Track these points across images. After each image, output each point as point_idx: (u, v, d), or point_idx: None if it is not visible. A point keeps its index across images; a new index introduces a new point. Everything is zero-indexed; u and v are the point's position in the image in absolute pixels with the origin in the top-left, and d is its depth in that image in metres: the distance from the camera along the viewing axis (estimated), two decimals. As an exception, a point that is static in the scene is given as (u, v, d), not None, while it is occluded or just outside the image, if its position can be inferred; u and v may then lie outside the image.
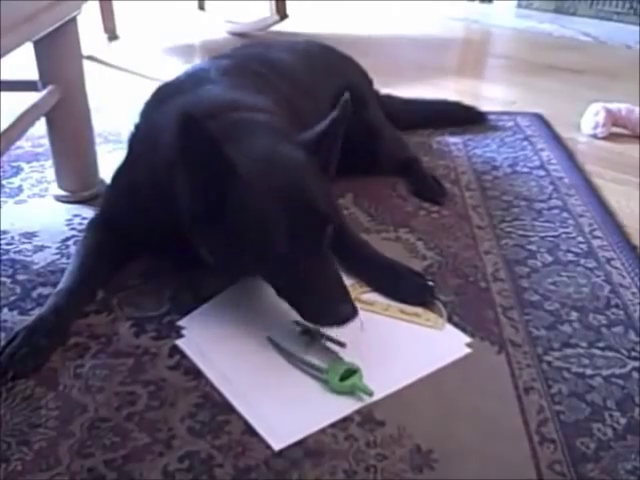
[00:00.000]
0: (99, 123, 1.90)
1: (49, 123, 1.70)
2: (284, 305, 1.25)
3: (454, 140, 2.14)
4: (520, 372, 1.16)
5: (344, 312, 1.14)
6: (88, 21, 1.71)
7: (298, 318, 1.24)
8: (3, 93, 1.94)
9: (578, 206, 1.73)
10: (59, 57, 1.64)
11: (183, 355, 1.19)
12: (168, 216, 1.26)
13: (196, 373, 1.15)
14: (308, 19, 3.81)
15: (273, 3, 3.48)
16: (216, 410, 1.07)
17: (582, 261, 1.49)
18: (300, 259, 1.16)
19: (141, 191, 1.35)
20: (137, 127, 1.47)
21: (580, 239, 1.58)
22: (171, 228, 1.26)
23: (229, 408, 1.08)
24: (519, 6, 4.07)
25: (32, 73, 1.67)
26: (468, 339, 1.24)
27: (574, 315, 1.31)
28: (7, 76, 1.72)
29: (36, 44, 1.59)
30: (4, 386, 1.12)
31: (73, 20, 1.65)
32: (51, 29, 1.51)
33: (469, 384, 1.14)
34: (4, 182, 1.85)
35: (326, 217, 1.21)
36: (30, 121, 1.52)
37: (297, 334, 1.23)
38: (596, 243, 1.56)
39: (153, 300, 1.35)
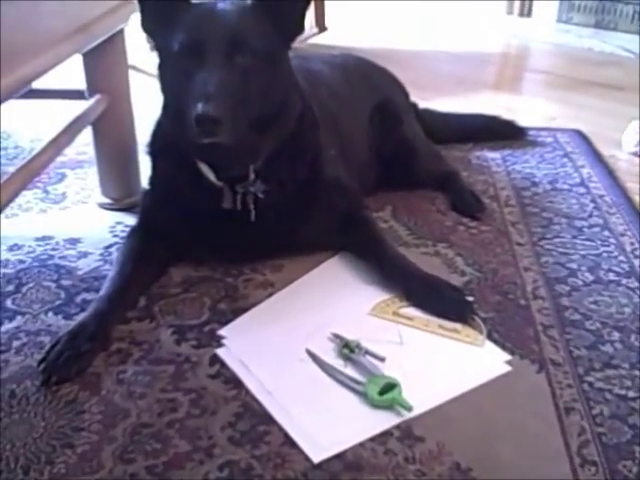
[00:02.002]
0: (140, 132, 1.93)
1: (95, 131, 1.73)
2: (324, 318, 1.26)
3: (493, 155, 2.13)
4: (561, 392, 1.15)
5: (197, 109, 1.19)
6: (131, 31, 1.75)
7: (338, 331, 1.26)
8: (50, 101, 1.99)
9: (619, 225, 1.72)
10: (106, 67, 1.68)
11: (223, 364, 1.20)
12: (202, 186, 1.39)
13: (236, 382, 1.16)
14: (347, 32, 3.83)
15: (312, 16, 3.52)
16: (256, 420, 1.08)
17: (624, 281, 1.47)
18: (191, 64, 1.26)
19: (174, 178, 1.45)
20: (154, 135, 1.53)
21: (622, 258, 1.56)
22: (209, 198, 1.39)
23: (269, 418, 1.08)
24: (559, 20, 4.04)
25: (69, 81, 1.71)
26: (508, 357, 1.23)
27: (616, 335, 1.30)
28: (50, 85, 1.76)
29: (85, 54, 1.62)
30: (49, 389, 1.14)
31: (121, 31, 1.69)
32: (101, 40, 1.55)
33: (509, 402, 1.13)
34: (49, 188, 1.89)
35: (236, 39, 1.28)
36: (78, 129, 1.55)
37: (336, 347, 1.23)
38: (638, 263, 1.54)
39: (193, 309, 1.36)
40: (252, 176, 1.39)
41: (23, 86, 1.19)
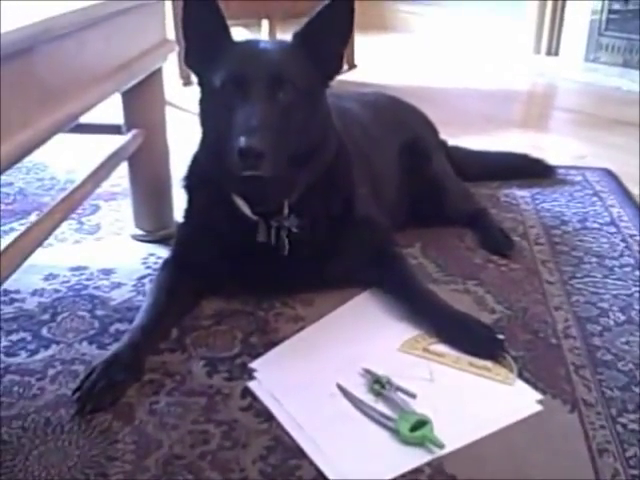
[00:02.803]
0: (173, 165, 1.97)
1: (130, 165, 1.77)
2: (354, 353, 1.27)
3: (522, 193, 2.14)
4: (594, 433, 1.14)
5: (241, 142, 1.22)
6: (165, 67, 1.80)
7: (368, 366, 1.26)
8: (84, 135, 2.04)
9: (651, 265, 1.71)
10: (145, 104, 1.73)
11: (255, 397, 1.21)
12: (237, 219, 1.42)
13: (267, 416, 1.17)
14: (375, 69, 3.88)
15: (342, 53, 3.57)
16: (287, 454, 1.08)
17: (656, 322, 1.47)
18: (234, 99, 1.30)
19: (209, 211, 1.48)
20: (190, 169, 1.56)
21: (654, 299, 1.55)
22: (245, 230, 1.42)
23: (300, 453, 1.09)
24: (586, 59, 4.06)
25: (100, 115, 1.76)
26: (539, 396, 1.22)
27: (649, 377, 1.29)
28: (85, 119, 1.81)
29: (124, 91, 1.67)
30: (83, 418, 1.16)
31: (159, 69, 1.74)
32: (141, 78, 1.60)
33: (541, 442, 1.12)
34: (84, 220, 1.93)
35: (278, 76, 1.32)
36: (116, 163, 1.59)
37: (367, 382, 1.24)
38: (670, 304, 1.53)
39: (225, 341, 1.38)
40: (286, 211, 1.41)
41: (71, 121, 1.24)
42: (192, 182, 1.54)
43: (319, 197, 1.46)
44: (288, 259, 1.44)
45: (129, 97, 1.68)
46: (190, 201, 1.55)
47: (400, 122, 1.92)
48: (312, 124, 1.39)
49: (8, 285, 1.49)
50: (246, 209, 1.42)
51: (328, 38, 1.38)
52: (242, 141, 1.23)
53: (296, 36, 1.41)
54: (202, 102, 1.42)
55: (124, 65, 1.48)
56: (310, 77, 1.37)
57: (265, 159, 1.24)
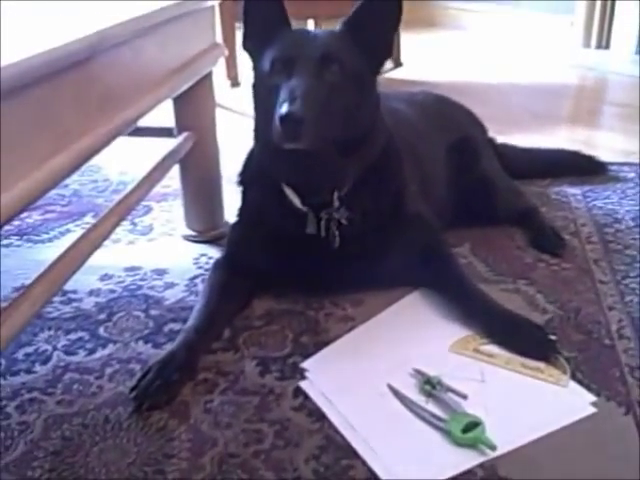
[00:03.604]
0: (223, 165, 2.00)
1: (182, 167, 1.80)
2: (405, 353, 1.28)
3: (573, 191, 2.11)
4: (650, 437, 1.12)
5: (282, 110, 1.24)
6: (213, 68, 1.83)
7: (419, 367, 1.27)
8: (137, 138, 2.08)
9: None
10: (195, 107, 1.76)
11: (306, 397, 1.23)
12: (288, 211, 1.44)
13: (320, 415, 1.18)
14: (422, 66, 3.86)
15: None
16: (340, 454, 1.10)
17: None
18: (281, 78, 1.32)
19: (261, 205, 1.51)
20: (245, 164, 1.58)
21: None
22: (295, 229, 1.44)
23: (353, 453, 1.10)
24: (637, 53, 3.97)
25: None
26: (593, 398, 1.21)
27: None
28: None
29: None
30: (140, 416, 1.19)
31: (210, 73, 1.77)
32: (194, 81, 1.63)
33: (596, 445, 1.11)
34: (136, 221, 1.97)
35: (326, 55, 1.34)
36: (169, 165, 1.62)
37: (418, 383, 1.24)
38: None
39: (276, 341, 1.40)
40: (336, 203, 1.42)
41: (129, 126, 1.28)
42: (246, 177, 1.57)
43: (369, 190, 1.46)
44: (338, 255, 1.45)
45: (180, 101, 1.71)
46: (244, 196, 1.58)
47: (448, 121, 1.91)
48: (359, 110, 1.39)
49: (66, 285, 1.53)
50: (296, 200, 1.44)
51: (377, 25, 1.39)
52: (283, 108, 1.25)
53: (345, 23, 1.43)
54: (254, 86, 1.45)
55: (178, 70, 1.52)
56: (358, 61, 1.38)
57: (305, 126, 1.25)
